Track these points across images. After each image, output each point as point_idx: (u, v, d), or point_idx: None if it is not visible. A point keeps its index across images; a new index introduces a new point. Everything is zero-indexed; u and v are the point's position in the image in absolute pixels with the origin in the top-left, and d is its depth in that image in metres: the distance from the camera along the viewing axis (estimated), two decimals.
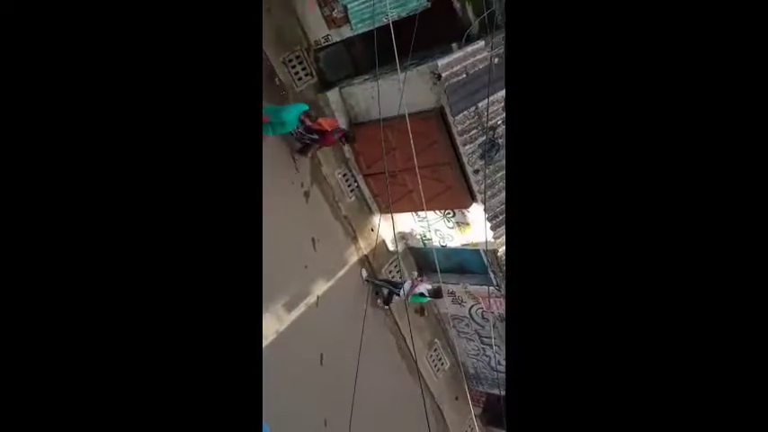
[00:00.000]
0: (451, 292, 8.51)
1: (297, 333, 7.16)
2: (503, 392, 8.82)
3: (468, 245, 7.86)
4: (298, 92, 7.43)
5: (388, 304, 8.24)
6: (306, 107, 6.77)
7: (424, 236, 8.21)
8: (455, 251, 8.16)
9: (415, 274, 7.99)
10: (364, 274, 8.15)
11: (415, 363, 8.16)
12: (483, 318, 8.40)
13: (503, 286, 7.73)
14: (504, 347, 8.41)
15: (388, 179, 7.01)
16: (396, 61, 5.90)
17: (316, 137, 6.81)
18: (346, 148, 7.80)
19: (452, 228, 7.86)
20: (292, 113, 6.57)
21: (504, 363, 8.54)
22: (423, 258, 8.68)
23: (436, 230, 8.02)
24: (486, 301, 8.08)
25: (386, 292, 8.13)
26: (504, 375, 8.62)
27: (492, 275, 7.80)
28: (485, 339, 8.54)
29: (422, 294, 7.73)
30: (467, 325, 8.68)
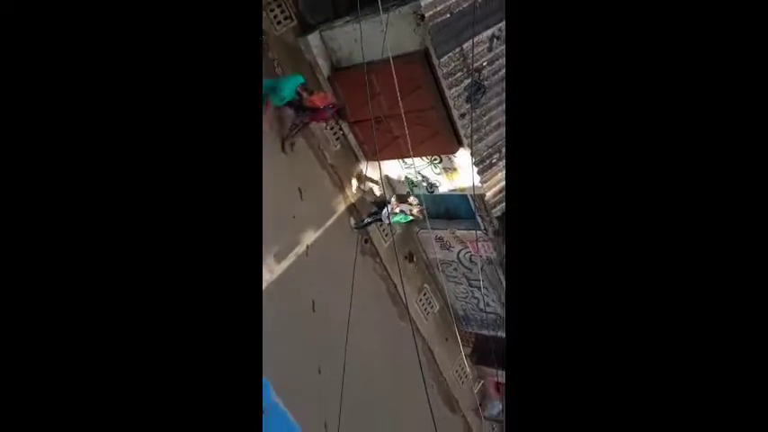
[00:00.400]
0: (439, 238, 8.59)
1: (288, 282, 7.24)
2: (491, 332, 9.09)
3: (455, 190, 7.86)
4: (277, 36, 7.17)
5: (361, 227, 8.12)
6: (302, 79, 6.62)
7: (411, 182, 8.19)
8: (442, 197, 8.18)
9: (394, 199, 7.74)
10: (352, 222, 8.16)
11: (406, 307, 8.33)
12: (471, 261, 8.53)
13: (490, 230, 7.81)
14: (491, 289, 8.60)
15: (375, 126, 6.90)
16: (377, 2, 5.67)
17: (308, 114, 6.71)
18: (330, 94, 7.63)
19: (439, 174, 7.83)
20: (289, 86, 6.50)
21: (491, 304, 8.76)
22: None
23: (423, 177, 8.00)
24: (474, 245, 8.18)
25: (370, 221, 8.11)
26: (491, 316, 8.85)
27: (479, 220, 7.86)
28: (473, 282, 8.70)
29: (402, 212, 7.56)
30: (455, 269, 8.82)
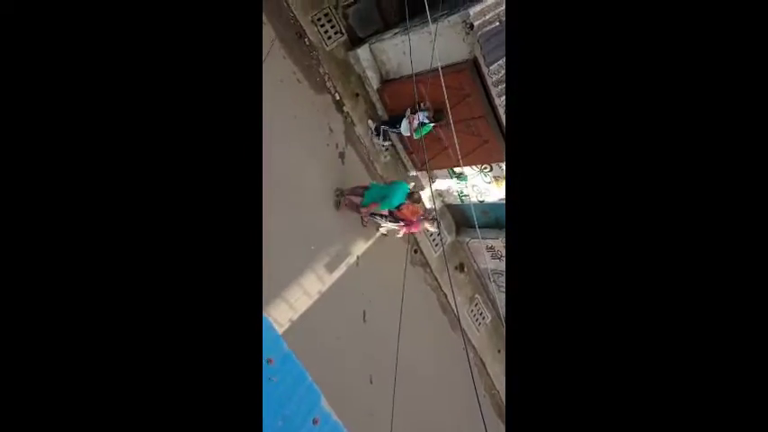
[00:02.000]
0: (491, 247, 8.46)
1: (339, 293, 7.31)
2: None
3: (505, 199, 7.74)
4: (328, 51, 7.32)
5: (382, 135, 7.77)
6: (408, 187, 6.95)
7: (461, 192, 8.13)
8: (492, 206, 8.06)
9: (408, 111, 7.15)
10: (371, 124, 7.78)
11: (457, 318, 8.24)
12: None
13: None
14: None
15: (423, 137, 6.90)
16: (426, 13, 5.70)
17: (401, 223, 7.00)
18: (379, 105, 7.71)
19: (489, 182, 7.74)
20: (398, 195, 6.81)
21: None
22: (460, 214, 8.63)
23: (473, 186, 7.92)
24: None
25: (388, 130, 7.69)
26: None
27: None
28: None
29: (422, 124, 7.11)
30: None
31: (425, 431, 7.89)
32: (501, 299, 8.99)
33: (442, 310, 8.76)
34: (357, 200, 7.08)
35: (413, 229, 7.18)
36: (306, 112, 7.13)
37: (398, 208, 6.90)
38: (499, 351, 9.42)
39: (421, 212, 7.10)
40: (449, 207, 8.70)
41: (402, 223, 7.03)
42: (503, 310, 8.99)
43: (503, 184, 7.60)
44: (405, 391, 6.84)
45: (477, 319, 9.22)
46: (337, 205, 7.34)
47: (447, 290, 8.50)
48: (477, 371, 9.20)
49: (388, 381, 6.83)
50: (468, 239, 8.70)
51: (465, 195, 8.09)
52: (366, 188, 7.12)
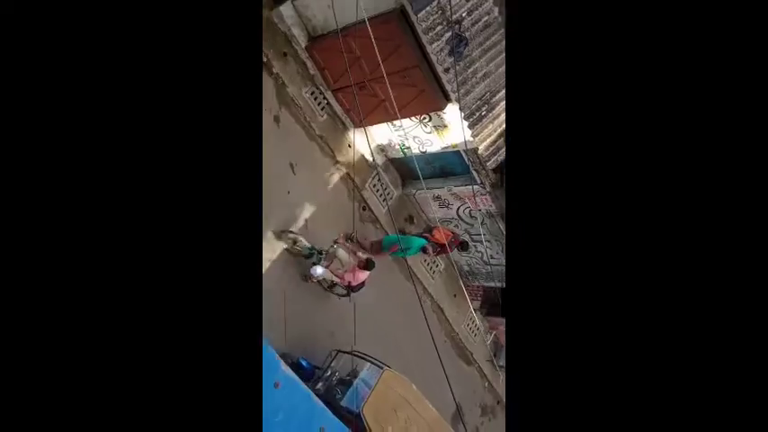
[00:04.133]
0: (437, 197, 8.57)
1: (289, 257, 7.26)
2: (497, 284, 9.18)
3: (447, 147, 7.80)
4: None
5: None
6: (425, 243, 7.62)
7: (403, 145, 8.11)
8: (436, 155, 8.12)
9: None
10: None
11: (410, 269, 8.38)
12: (471, 216, 8.54)
13: (486, 183, 7.78)
14: (493, 241, 8.64)
15: (357, 91, 6.78)
16: None
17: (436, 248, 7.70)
18: (309, 63, 7.49)
19: (430, 132, 7.75)
20: (415, 247, 7.58)
21: (495, 256, 8.81)
22: (404, 167, 8.65)
23: (414, 137, 7.91)
24: (472, 200, 8.17)
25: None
26: (496, 268, 8.92)
27: (475, 174, 7.82)
28: (475, 237, 8.73)
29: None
30: (456, 226, 8.84)
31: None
32: None
33: (396, 263, 8.89)
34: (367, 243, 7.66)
35: (446, 252, 7.92)
36: None
37: (433, 251, 7.73)
38: (455, 296, 9.71)
39: (450, 234, 7.89)
40: (392, 161, 8.69)
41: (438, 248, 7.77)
42: (454, 257, 9.23)
43: (443, 133, 7.62)
44: (367, 342, 6.99)
45: (431, 268, 9.43)
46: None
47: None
48: (437, 317, 9.49)
49: (349, 334, 6.96)
50: (414, 191, 8.77)
51: (407, 148, 8.08)
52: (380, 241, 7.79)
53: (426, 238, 7.71)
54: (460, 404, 9.74)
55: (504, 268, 8.97)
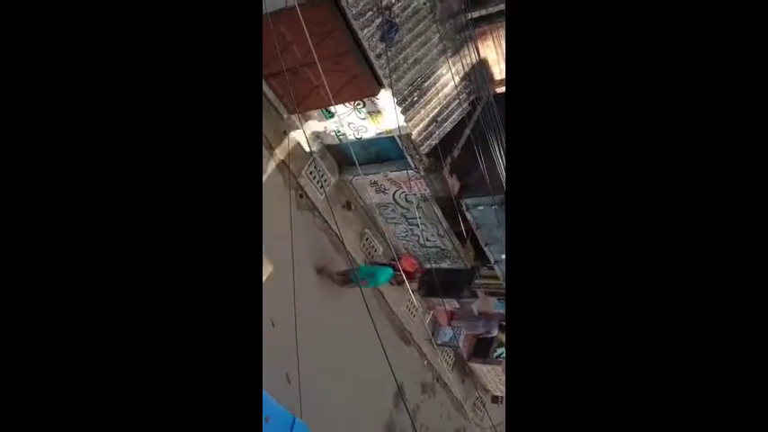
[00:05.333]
0: (374, 182, 8.68)
1: None
2: (433, 265, 9.45)
3: (382, 133, 7.90)
4: None
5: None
6: (392, 273, 8.71)
7: (338, 131, 8.14)
8: (371, 141, 8.20)
9: None
10: None
11: (348, 254, 8.47)
12: (407, 200, 8.72)
13: (420, 168, 7.97)
14: (429, 225, 8.88)
15: (289, 77, 6.73)
16: None
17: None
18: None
19: (364, 118, 7.81)
20: (384, 277, 8.70)
21: (431, 239, 9.07)
22: (340, 154, 8.68)
23: (349, 123, 7.96)
24: (408, 184, 8.34)
25: None
26: (432, 250, 9.18)
27: (409, 159, 7.99)
28: (411, 221, 8.94)
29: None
30: (393, 210, 9.00)
31: (337, 366, 8.24)
32: (389, 230, 9.36)
33: (335, 250, 8.94)
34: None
35: (411, 278, 9.16)
36: None
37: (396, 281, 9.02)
38: None
39: (416, 266, 9.35)
40: (329, 148, 8.70)
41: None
42: (391, 241, 9.41)
43: (378, 118, 7.72)
44: (309, 333, 7.03)
45: (369, 252, 9.56)
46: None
47: (336, 229, 8.65)
48: (376, 300, 9.65)
49: (291, 325, 6.96)
50: (351, 177, 8.83)
51: (342, 134, 8.12)
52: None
53: (393, 266, 8.66)
54: (402, 383, 10.01)
55: (439, 250, 9.25)
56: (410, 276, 8.88)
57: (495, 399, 12.52)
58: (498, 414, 12.93)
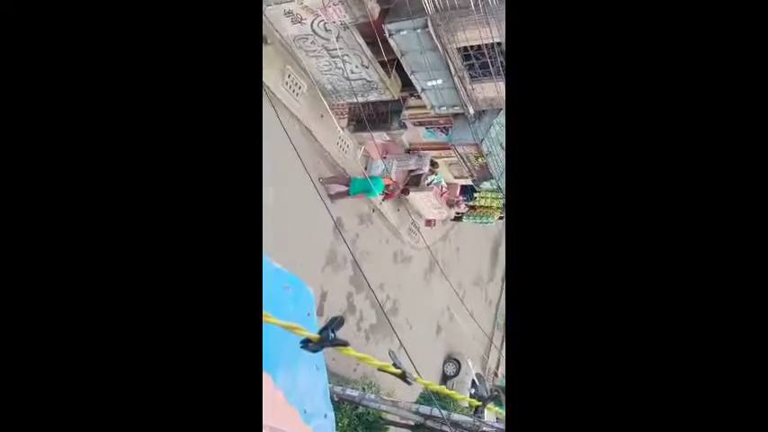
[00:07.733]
0: (288, 12, 8.02)
1: None
2: (361, 99, 9.31)
3: None
4: None
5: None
6: (382, 182, 10.38)
7: None
8: None
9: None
10: None
11: (268, 89, 8.15)
12: (326, 30, 8.20)
13: None
14: (352, 55, 8.52)
15: None
16: None
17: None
18: None
19: None
20: (379, 186, 10.22)
21: (355, 70, 8.78)
22: None
23: None
24: (325, 12, 7.78)
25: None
26: (358, 83, 8.96)
27: None
28: (332, 52, 8.52)
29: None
30: (313, 42, 8.49)
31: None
32: (311, 64, 8.93)
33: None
34: (342, 189, 10.07)
35: (389, 197, 11.31)
36: None
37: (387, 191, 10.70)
38: (322, 116, 9.76)
39: (389, 182, 10.77)
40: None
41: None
42: (316, 76, 9.05)
43: None
44: None
45: (294, 90, 9.22)
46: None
47: None
48: (306, 140, 9.60)
49: None
50: (263, 6, 8.09)
51: None
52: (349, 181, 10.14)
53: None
54: (339, 217, 10.50)
55: (365, 82, 9.02)
56: (390, 196, 10.77)
57: (428, 222, 13.46)
58: (431, 236, 14.03)
